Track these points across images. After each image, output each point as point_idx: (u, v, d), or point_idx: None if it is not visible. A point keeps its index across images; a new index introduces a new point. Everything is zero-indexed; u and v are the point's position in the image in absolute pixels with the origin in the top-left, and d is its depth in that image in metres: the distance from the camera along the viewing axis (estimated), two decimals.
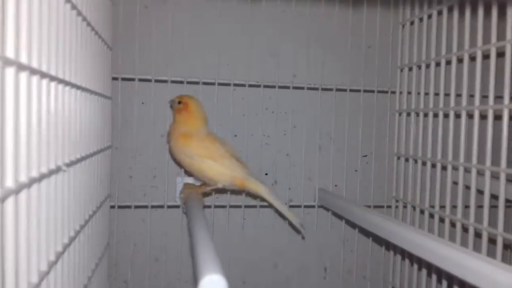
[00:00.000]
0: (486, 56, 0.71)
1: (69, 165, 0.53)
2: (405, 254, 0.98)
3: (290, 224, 0.96)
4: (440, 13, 0.85)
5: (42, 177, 0.42)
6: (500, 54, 0.68)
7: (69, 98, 0.54)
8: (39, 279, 0.42)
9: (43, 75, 0.43)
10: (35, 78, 0.41)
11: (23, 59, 0.38)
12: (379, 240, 1.05)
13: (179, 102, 0.88)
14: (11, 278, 0.35)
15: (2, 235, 0.35)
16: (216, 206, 1.00)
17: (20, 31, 0.38)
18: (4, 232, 0.35)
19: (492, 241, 0.68)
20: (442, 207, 0.83)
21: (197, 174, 0.87)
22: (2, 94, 0.34)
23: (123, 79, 0.94)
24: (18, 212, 0.37)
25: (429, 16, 0.89)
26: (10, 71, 0.35)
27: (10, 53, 0.35)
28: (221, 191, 0.98)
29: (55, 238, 0.48)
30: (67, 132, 0.53)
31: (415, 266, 0.92)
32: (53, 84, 0.47)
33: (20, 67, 0.37)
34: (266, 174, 1.03)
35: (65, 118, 0.52)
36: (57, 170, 0.48)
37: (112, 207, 0.94)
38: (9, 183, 0.35)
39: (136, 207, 0.97)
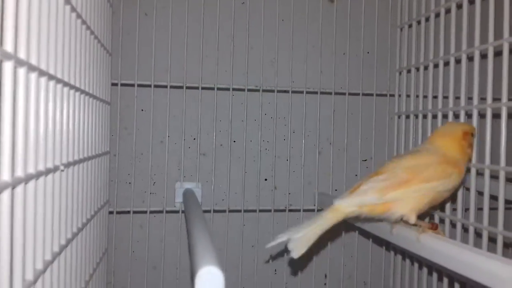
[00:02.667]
0: (484, 56, 0.71)
1: (66, 166, 0.53)
2: (405, 254, 0.97)
3: None
4: (437, 15, 0.85)
5: (39, 174, 0.42)
6: (498, 54, 0.68)
7: (67, 98, 0.54)
8: (35, 277, 0.41)
9: (42, 73, 0.43)
10: (33, 75, 0.41)
11: (22, 55, 0.38)
12: (379, 241, 1.04)
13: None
14: (5, 272, 0.35)
15: None
16: (215, 211, 1.00)
17: (20, 29, 0.38)
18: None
19: (492, 240, 0.68)
20: (442, 210, 0.83)
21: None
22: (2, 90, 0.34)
23: (123, 84, 0.94)
24: (14, 207, 0.37)
25: (427, 19, 0.90)
26: (8, 65, 0.35)
27: (9, 47, 0.35)
28: None
29: (51, 237, 0.47)
30: (65, 133, 0.53)
31: (416, 266, 0.92)
32: (51, 83, 0.47)
33: (19, 62, 0.37)
34: (266, 179, 1.03)
35: (63, 119, 0.52)
36: (55, 169, 0.48)
37: (111, 212, 0.93)
38: (5, 177, 0.35)
39: (135, 212, 0.96)
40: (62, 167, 0.50)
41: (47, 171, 0.45)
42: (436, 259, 0.57)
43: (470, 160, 0.69)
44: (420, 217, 0.66)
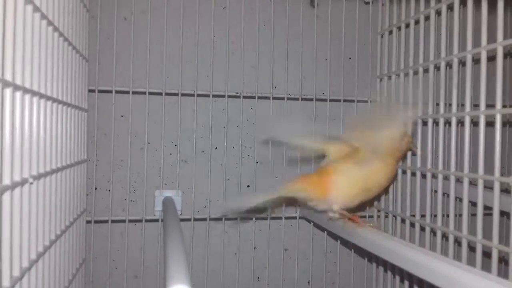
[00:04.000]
0: (463, 63, 0.71)
1: (37, 177, 0.51)
2: (387, 265, 0.97)
3: None
4: (417, 22, 0.85)
5: (4, 188, 0.41)
6: (476, 61, 0.68)
7: (39, 108, 0.52)
8: None
9: (16, 87, 0.41)
10: (8, 90, 0.40)
11: None
12: (361, 252, 1.04)
13: None
14: None
15: None
16: (195, 219, 0.98)
17: None
18: None
19: (472, 248, 0.68)
20: (423, 216, 0.83)
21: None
22: None
23: (100, 91, 0.93)
24: None
25: (407, 26, 0.90)
26: None
27: None
28: None
29: (19, 252, 0.46)
30: (34, 143, 0.51)
31: (397, 278, 0.92)
32: (27, 96, 0.47)
33: None
34: (248, 186, 1.02)
35: (32, 128, 0.50)
36: (23, 182, 0.46)
37: (89, 222, 0.91)
38: None
39: (114, 221, 0.94)
40: (31, 180, 0.49)
41: (14, 185, 0.44)
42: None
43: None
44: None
